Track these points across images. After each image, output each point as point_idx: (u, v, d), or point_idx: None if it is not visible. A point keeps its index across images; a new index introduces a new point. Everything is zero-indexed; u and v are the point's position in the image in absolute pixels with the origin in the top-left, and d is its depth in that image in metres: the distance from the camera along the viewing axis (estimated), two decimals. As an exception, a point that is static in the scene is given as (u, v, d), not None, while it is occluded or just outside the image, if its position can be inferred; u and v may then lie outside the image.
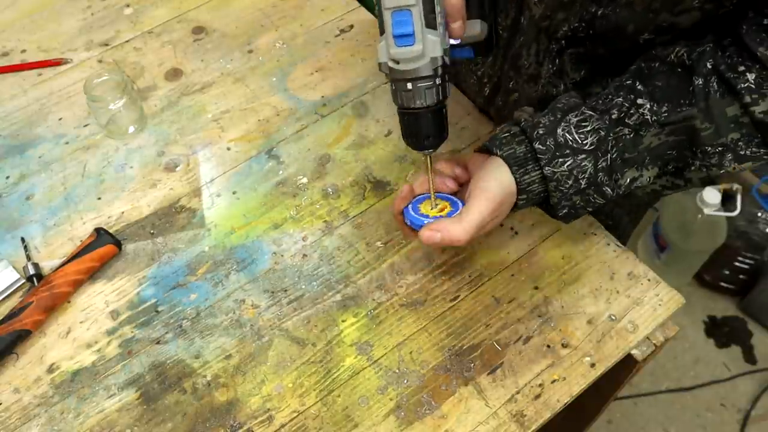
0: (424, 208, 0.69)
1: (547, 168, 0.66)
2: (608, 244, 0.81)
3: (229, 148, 0.91)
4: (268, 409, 0.70)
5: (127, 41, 1.03)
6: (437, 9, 0.58)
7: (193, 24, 1.05)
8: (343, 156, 0.89)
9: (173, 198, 0.86)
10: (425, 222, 0.66)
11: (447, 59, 0.61)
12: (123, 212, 0.85)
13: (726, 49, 0.63)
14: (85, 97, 0.89)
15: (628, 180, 0.67)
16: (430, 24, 0.58)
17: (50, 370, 0.73)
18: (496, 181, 0.66)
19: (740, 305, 1.82)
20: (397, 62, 0.60)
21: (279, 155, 0.90)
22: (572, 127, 0.66)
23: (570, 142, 0.65)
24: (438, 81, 0.61)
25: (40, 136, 0.93)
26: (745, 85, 0.61)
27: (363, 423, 0.69)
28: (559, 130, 0.66)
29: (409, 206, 0.69)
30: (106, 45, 1.03)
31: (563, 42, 0.72)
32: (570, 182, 0.66)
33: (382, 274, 0.79)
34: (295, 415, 0.70)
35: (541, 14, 0.71)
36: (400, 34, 0.58)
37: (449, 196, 0.70)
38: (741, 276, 1.80)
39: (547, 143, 0.66)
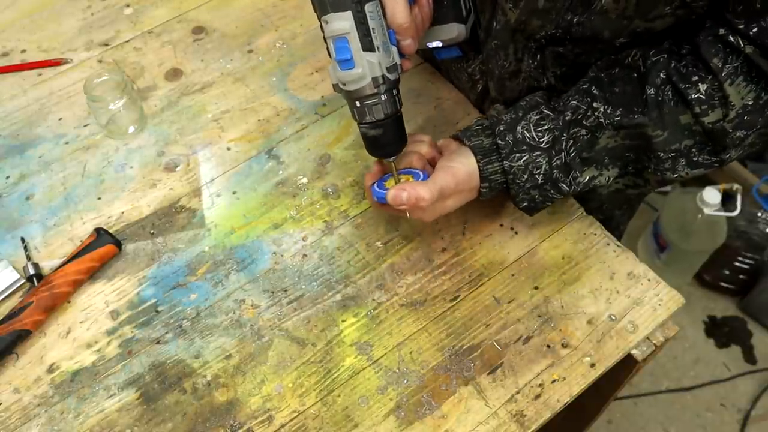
0: (389, 183, 0.73)
1: (505, 162, 0.71)
2: (608, 244, 0.81)
3: (229, 148, 0.91)
4: (268, 409, 0.70)
5: (127, 41, 1.03)
6: (374, 33, 0.64)
7: (193, 24, 1.05)
8: (343, 156, 0.89)
9: (173, 198, 0.86)
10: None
11: (392, 75, 0.66)
12: (123, 212, 0.85)
13: (682, 58, 0.66)
14: (85, 97, 0.89)
15: (587, 178, 0.71)
16: (367, 47, 0.64)
17: (50, 370, 0.73)
18: (461, 164, 0.71)
19: (740, 305, 1.82)
20: (344, 84, 0.66)
21: (279, 155, 0.90)
22: (531, 125, 0.70)
23: (528, 139, 0.70)
24: (384, 97, 0.66)
25: (40, 136, 0.93)
26: (696, 95, 0.64)
27: (363, 423, 0.69)
28: (519, 128, 0.71)
29: (376, 183, 0.74)
30: (106, 45, 1.03)
31: (542, 41, 0.73)
32: (525, 176, 0.71)
33: (382, 274, 0.79)
34: (295, 415, 0.70)
35: (516, 19, 0.72)
36: (341, 59, 0.64)
37: (414, 170, 0.74)
38: (741, 276, 1.80)
39: (506, 138, 0.71)
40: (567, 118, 0.70)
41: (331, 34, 0.64)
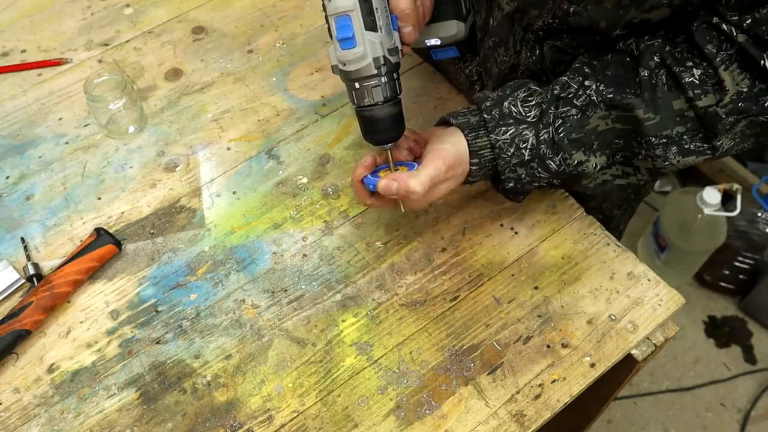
0: (383, 174, 0.72)
1: (491, 135, 0.70)
2: (608, 244, 0.81)
3: (229, 148, 0.91)
4: (268, 409, 0.70)
5: (127, 41, 1.03)
6: (377, 12, 0.63)
7: (193, 24, 1.05)
8: (343, 156, 0.89)
9: (173, 198, 0.86)
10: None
11: (393, 58, 0.66)
12: (123, 212, 0.85)
13: (677, 45, 0.66)
14: (85, 97, 0.89)
15: (576, 162, 0.70)
16: (370, 26, 0.63)
17: (50, 370, 0.73)
18: (450, 143, 0.70)
19: (740, 305, 1.82)
20: (344, 64, 0.65)
21: (279, 155, 0.90)
22: (518, 101, 0.70)
23: (514, 114, 0.70)
24: (384, 79, 0.65)
25: (40, 136, 0.93)
26: (690, 79, 0.64)
27: (363, 423, 0.69)
28: (506, 103, 0.70)
29: (370, 174, 0.73)
30: (106, 45, 1.03)
31: (540, 33, 0.73)
32: (512, 150, 0.70)
33: (382, 274, 0.79)
34: (295, 415, 0.70)
35: (514, 9, 0.72)
36: (343, 37, 0.63)
37: (408, 162, 0.73)
38: (741, 276, 1.80)
39: (493, 113, 0.70)
40: (555, 92, 0.69)
41: (334, 12, 0.62)
